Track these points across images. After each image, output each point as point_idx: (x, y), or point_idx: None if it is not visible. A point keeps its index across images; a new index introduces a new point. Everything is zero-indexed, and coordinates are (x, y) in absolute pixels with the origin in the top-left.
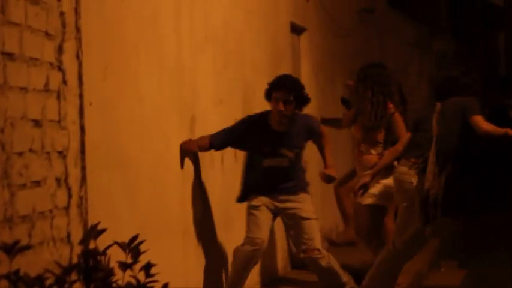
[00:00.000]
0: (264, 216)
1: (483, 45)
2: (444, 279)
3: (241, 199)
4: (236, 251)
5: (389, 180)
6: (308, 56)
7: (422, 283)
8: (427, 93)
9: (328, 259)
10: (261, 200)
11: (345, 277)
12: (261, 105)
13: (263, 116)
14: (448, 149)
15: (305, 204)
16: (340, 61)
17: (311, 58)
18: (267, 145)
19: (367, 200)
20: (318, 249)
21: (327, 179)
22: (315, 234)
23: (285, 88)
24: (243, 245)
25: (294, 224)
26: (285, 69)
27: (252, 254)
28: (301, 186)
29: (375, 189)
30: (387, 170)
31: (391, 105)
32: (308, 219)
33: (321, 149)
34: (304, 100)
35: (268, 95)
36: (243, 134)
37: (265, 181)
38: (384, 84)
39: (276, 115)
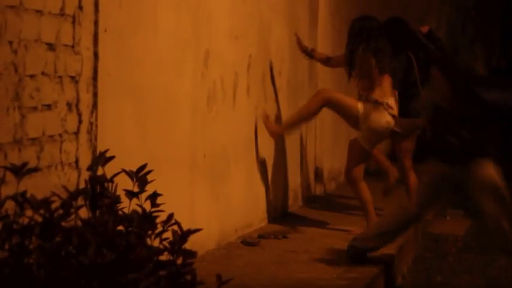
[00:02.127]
0: None
1: None
2: (449, 228)
3: None
4: None
5: None
6: None
7: (427, 230)
8: (445, 43)
9: None
10: None
11: None
12: (276, 43)
13: None
14: None
15: None
16: (358, 5)
17: (329, 0)
18: None
19: None
20: None
21: None
22: None
23: None
24: None
25: None
26: (302, 9)
27: None
28: None
29: None
30: None
31: None
32: None
33: None
34: None
35: None
36: None
37: None
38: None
39: None
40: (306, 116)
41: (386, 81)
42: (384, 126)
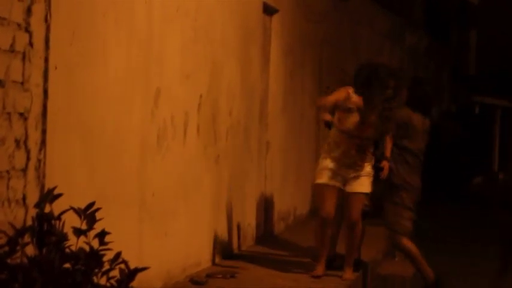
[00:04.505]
0: None
1: (455, 42)
2: (397, 269)
3: None
4: None
5: None
6: (279, 37)
7: (376, 271)
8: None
9: None
10: None
11: None
12: (228, 82)
13: None
14: None
15: None
16: (310, 46)
17: (281, 40)
18: None
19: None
20: None
21: None
22: None
23: None
24: None
25: None
26: (254, 50)
27: None
28: None
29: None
30: None
31: None
32: None
33: None
34: None
35: None
36: None
37: None
38: None
39: None
40: None
41: None
42: None
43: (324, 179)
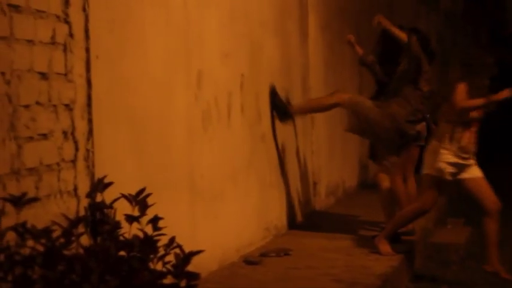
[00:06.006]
0: None
1: (491, 3)
2: (450, 237)
3: None
4: None
5: None
6: (315, 12)
7: (428, 239)
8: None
9: None
10: None
11: None
12: (268, 59)
13: None
14: None
15: None
16: (347, 18)
17: (318, 14)
18: None
19: None
20: None
21: None
22: None
23: None
24: None
25: None
26: (292, 25)
27: None
28: None
29: None
30: None
31: None
32: None
33: None
34: None
35: None
36: None
37: None
38: None
39: None
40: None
41: None
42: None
43: (446, 175)
